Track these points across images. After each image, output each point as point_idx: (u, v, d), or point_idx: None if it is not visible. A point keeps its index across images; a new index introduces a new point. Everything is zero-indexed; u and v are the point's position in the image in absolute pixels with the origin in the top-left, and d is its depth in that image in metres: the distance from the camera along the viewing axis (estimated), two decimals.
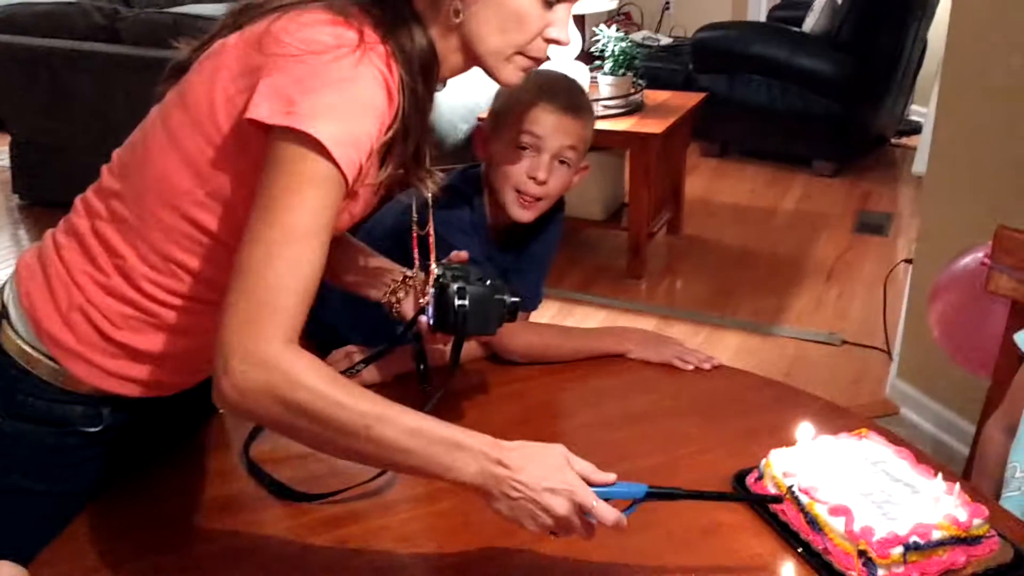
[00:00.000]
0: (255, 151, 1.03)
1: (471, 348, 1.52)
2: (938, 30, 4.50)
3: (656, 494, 1.07)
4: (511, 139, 1.53)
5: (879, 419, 2.83)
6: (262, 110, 1.00)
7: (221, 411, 1.29)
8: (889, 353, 3.09)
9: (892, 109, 5.11)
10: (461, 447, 0.99)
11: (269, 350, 0.96)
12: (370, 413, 0.97)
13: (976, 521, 1.11)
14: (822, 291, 3.71)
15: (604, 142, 3.78)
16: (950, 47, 2.55)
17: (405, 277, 1.37)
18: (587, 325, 3.45)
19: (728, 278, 3.84)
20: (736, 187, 4.93)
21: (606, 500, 1.03)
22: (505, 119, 1.55)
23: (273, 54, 1.03)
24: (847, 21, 4.73)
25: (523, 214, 1.56)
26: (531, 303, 1.67)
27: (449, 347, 1.29)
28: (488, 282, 1.26)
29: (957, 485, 1.14)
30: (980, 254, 1.58)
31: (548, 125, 1.51)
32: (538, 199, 1.55)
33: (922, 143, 3.42)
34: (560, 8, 1.11)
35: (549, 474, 1.00)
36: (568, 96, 1.54)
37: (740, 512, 1.23)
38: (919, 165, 2.67)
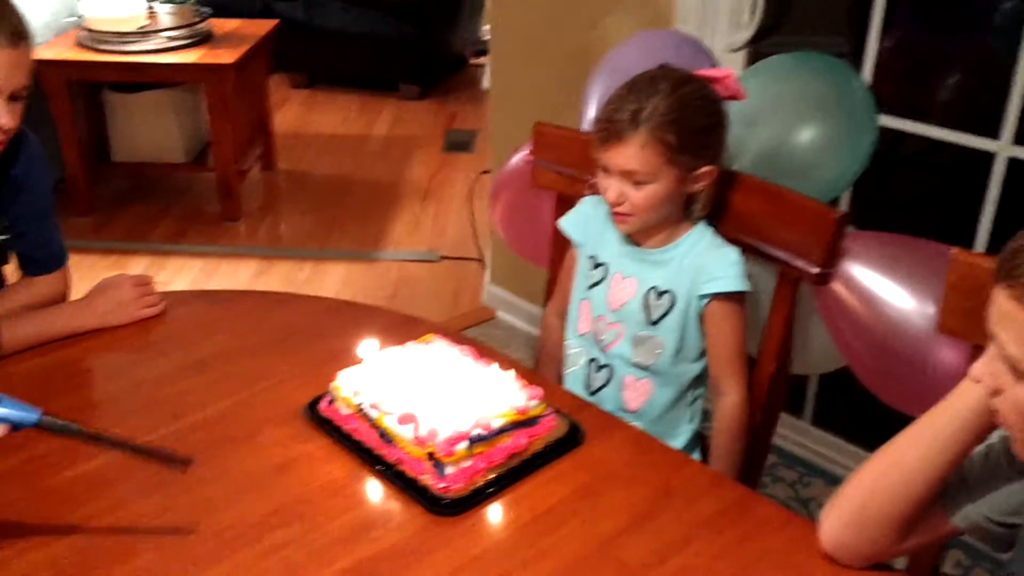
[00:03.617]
0: None
1: None
2: None
3: (48, 426, 0.97)
4: None
5: (478, 325, 2.98)
6: None
7: None
8: (482, 262, 3.25)
9: (469, 29, 5.32)
10: None
11: None
12: None
13: (532, 403, 1.17)
14: (419, 211, 3.79)
15: (174, 77, 3.51)
16: None
17: None
18: (182, 277, 3.23)
19: (328, 209, 3.78)
20: (327, 117, 4.85)
21: None
22: None
23: None
24: None
25: None
26: (52, 260, 1.47)
27: None
28: None
29: (512, 371, 1.19)
30: (525, 151, 1.65)
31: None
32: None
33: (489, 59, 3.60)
34: None
35: None
36: (8, 25, 1.25)
37: (315, 441, 1.19)
38: (487, 80, 2.78)
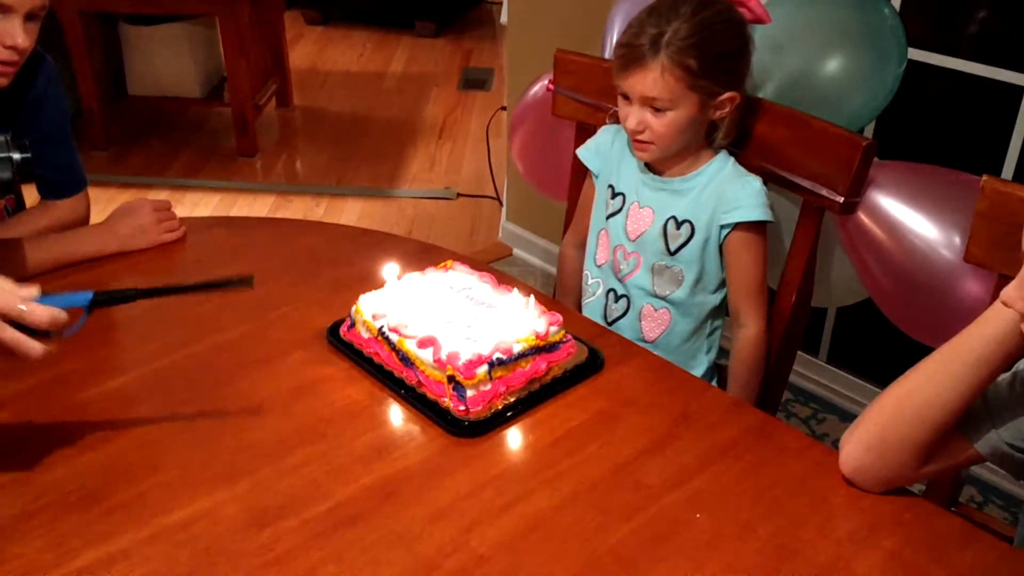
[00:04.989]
0: None
1: None
2: None
3: (104, 300, 0.99)
4: None
5: (495, 262, 2.98)
6: None
7: None
8: (499, 199, 3.24)
9: None
10: None
11: None
12: None
13: (552, 329, 1.17)
14: (435, 149, 3.77)
15: (188, 9, 3.47)
16: None
17: None
18: (200, 212, 3.22)
19: (344, 146, 3.76)
20: (342, 54, 4.81)
21: None
22: None
23: None
24: None
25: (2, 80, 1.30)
26: (72, 184, 1.47)
27: None
28: None
29: (532, 298, 1.19)
30: (545, 81, 1.63)
31: None
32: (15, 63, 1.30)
33: None
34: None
35: None
36: None
37: (336, 364, 1.19)
38: (504, 15, 2.74)
